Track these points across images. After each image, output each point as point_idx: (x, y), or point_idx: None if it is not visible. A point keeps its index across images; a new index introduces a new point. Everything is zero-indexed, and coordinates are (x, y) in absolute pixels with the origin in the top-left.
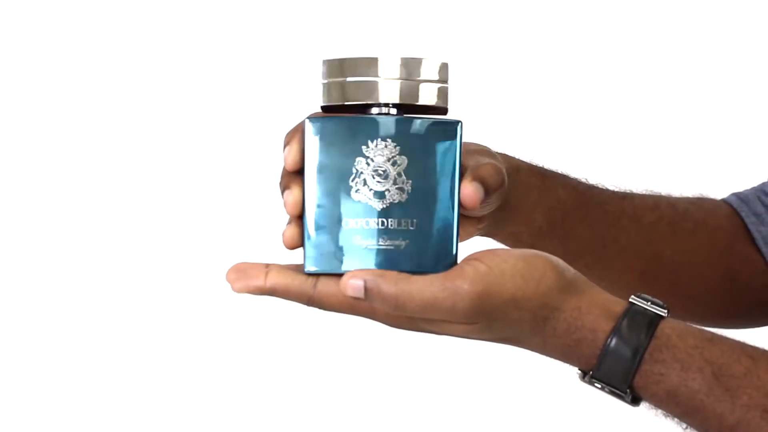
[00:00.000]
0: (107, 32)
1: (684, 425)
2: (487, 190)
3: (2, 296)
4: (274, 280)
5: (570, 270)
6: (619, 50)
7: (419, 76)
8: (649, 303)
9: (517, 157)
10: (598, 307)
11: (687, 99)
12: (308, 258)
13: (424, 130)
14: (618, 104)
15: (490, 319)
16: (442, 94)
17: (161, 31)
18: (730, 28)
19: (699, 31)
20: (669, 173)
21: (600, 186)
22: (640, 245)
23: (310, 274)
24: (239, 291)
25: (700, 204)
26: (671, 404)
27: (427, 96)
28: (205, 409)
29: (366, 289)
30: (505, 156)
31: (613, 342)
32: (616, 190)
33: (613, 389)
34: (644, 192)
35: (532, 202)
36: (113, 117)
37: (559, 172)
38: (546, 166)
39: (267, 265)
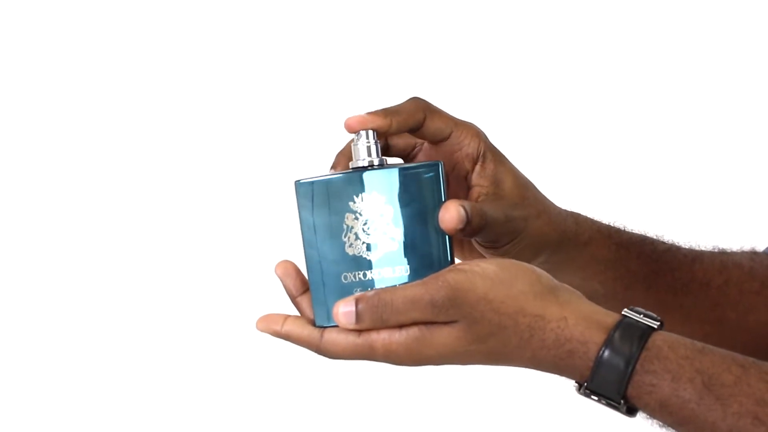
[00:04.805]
0: (108, 33)
1: None
2: (469, 223)
3: (2, 296)
4: (288, 328)
5: (550, 279)
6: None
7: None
8: (641, 315)
9: (597, 222)
10: (587, 319)
11: (685, 98)
12: (316, 315)
13: (406, 177)
14: (620, 108)
15: (469, 319)
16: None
17: (162, 32)
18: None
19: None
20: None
21: (673, 248)
22: (704, 310)
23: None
24: (260, 329)
25: (760, 260)
26: (664, 414)
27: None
28: (206, 409)
29: (356, 309)
30: (580, 222)
31: (606, 353)
32: (687, 250)
33: (608, 401)
34: (712, 250)
35: (593, 271)
36: (115, 119)
37: (638, 235)
38: (627, 228)
39: (287, 316)
